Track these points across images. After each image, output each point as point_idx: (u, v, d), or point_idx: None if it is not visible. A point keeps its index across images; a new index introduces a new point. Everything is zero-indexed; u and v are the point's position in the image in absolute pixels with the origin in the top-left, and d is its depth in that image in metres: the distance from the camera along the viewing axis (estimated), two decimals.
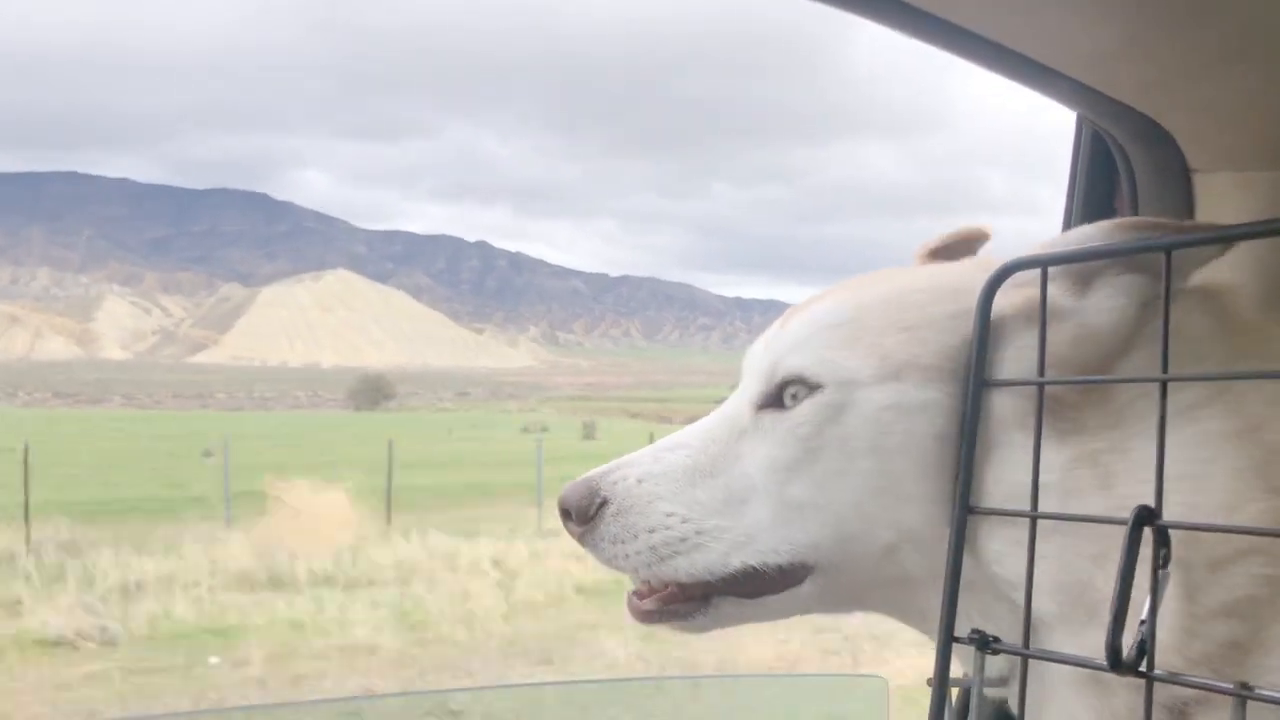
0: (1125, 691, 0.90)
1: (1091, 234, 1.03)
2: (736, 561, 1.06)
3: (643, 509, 1.09)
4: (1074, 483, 0.95)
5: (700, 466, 1.10)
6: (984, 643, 0.92)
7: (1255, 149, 1.32)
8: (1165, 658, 0.85)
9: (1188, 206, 1.36)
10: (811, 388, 1.04)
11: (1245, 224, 0.86)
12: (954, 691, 1.04)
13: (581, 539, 1.12)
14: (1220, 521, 0.88)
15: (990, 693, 1.05)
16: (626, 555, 1.09)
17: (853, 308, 1.08)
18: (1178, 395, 0.93)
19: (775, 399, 1.08)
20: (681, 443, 1.13)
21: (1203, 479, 0.91)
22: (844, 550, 1.04)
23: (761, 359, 1.12)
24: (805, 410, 1.04)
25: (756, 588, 1.08)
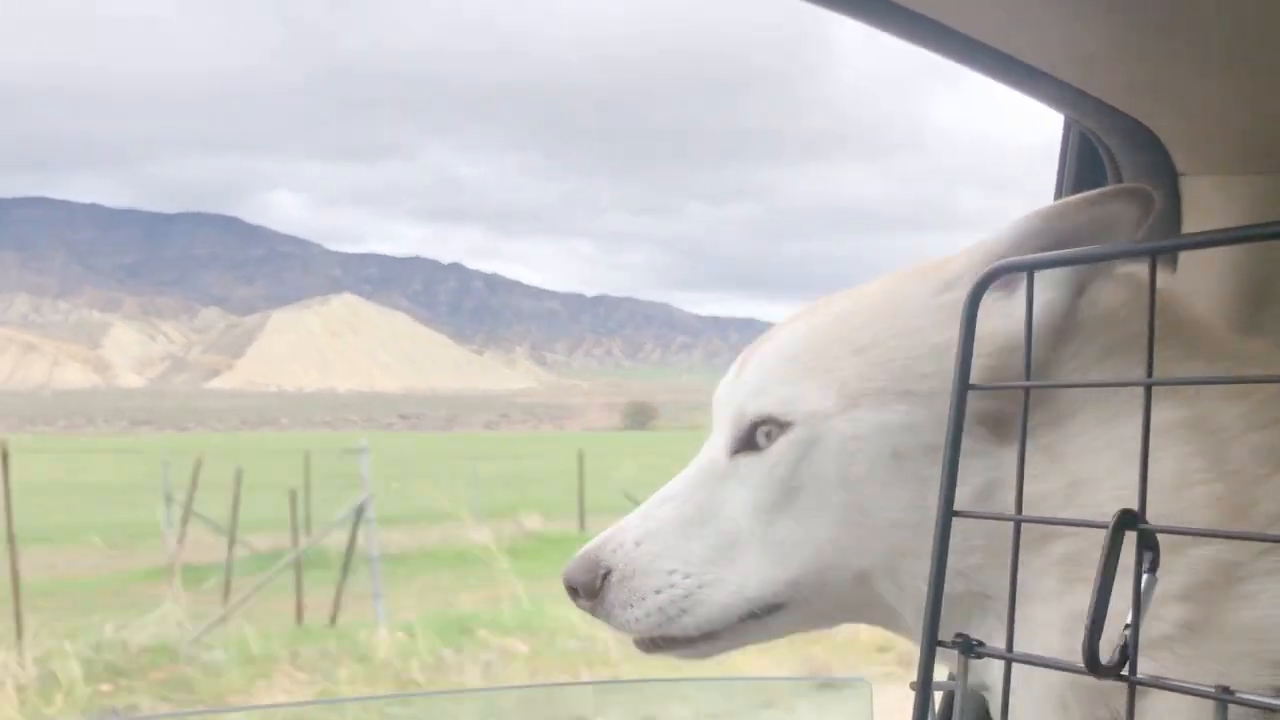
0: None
1: (1063, 210, 1.00)
2: (737, 611, 1.08)
3: (646, 570, 1.10)
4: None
5: (689, 517, 1.10)
6: (968, 647, 0.91)
7: (1242, 153, 1.33)
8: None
9: (1175, 210, 1.37)
10: (783, 425, 1.05)
11: (1232, 228, 0.85)
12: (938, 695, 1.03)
13: (593, 612, 1.13)
14: (1169, 502, 0.89)
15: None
16: (636, 619, 1.10)
17: (804, 338, 1.09)
18: (1131, 391, 0.93)
19: (749, 441, 1.09)
20: (668, 496, 1.13)
21: (1151, 464, 0.91)
22: (820, 581, 1.06)
23: (728, 403, 1.13)
24: (780, 449, 1.05)
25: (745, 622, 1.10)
